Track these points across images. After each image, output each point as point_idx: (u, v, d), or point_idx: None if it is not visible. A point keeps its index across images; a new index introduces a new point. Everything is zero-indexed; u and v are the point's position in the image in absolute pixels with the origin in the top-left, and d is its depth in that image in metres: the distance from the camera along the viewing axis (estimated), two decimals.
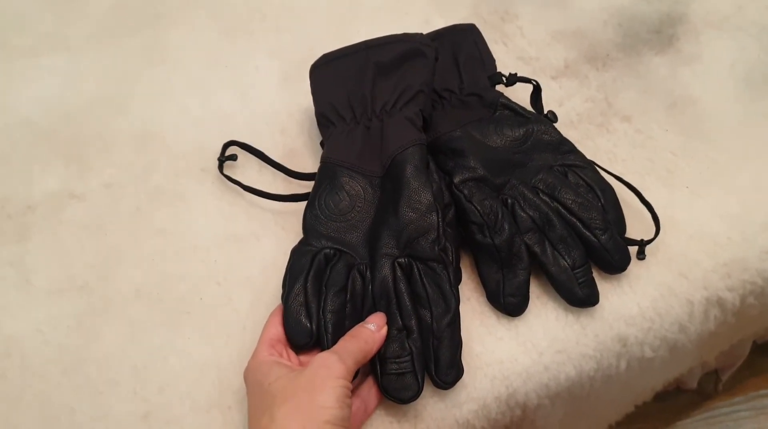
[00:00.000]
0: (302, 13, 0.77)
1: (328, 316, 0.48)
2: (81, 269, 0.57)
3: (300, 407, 0.40)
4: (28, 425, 0.49)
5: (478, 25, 0.66)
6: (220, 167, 0.61)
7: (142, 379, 0.51)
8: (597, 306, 0.52)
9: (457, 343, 0.47)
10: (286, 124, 0.66)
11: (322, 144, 0.60)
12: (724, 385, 0.90)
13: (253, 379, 0.44)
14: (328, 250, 0.51)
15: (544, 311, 0.53)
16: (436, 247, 0.49)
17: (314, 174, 0.57)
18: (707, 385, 0.90)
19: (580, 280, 0.51)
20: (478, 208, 0.52)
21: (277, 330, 0.47)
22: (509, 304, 0.52)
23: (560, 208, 0.54)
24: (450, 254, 0.50)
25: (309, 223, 0.53)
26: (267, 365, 0.44)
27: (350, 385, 0.42)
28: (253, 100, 0.69)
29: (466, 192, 0.53)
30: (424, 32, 0.62)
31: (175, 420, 0.49)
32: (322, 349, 0.47)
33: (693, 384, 0.83)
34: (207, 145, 0.64)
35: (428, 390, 0.48)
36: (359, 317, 0.48)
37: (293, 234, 0.57)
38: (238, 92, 0.70)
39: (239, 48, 0.74)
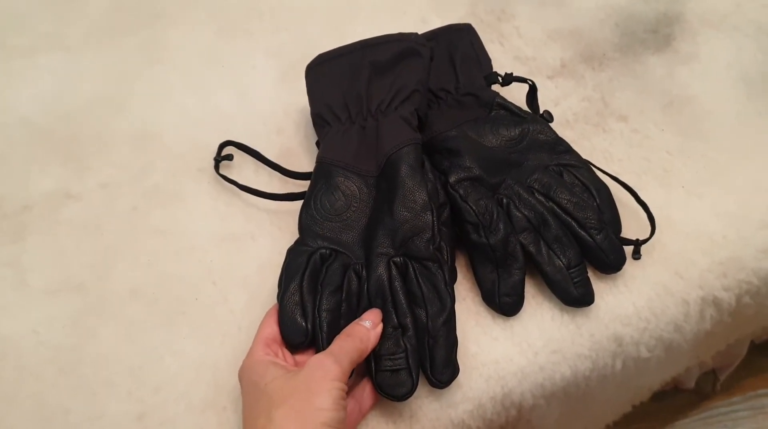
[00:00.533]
0: (300, 12, 0.77)
1: (324, 315, 0.48)
2: (77, 269, 0.57)
3: (297, 409, 0.40)
4: (24, 425, 0.49)
5: (474, 25, 0.66)
6: (216, 167, 0.61)
7: (137, 379, 0.51)
8: (592, 306, 0.52)
9: (452, 342, 0.47)
10: (283, 124, 0.66)
11: (317, 144, 0.60)
12: (722, 384, 0.90)
13: (248, 378, 0.44)
14: (323, 250, 0.51)
15: (539, 311, 0.53)
16: (431, 246, 0.49)
17: (310, 173, 0.57)
18: (705, 385, 0.90)
19: (576, 280, 0.51)
20: (474, 207, 0.52)
21: (273, 329, 0.48)
22: (504, 303, 0.52)
23: (555, 207, 0.54)
24: (445, 253, 0.50)
25: (305, 223, 0.53)
26: (262, 365, 0.44)
27: (346, 387, 0.42)
28: (251, 99, 0.69)
29: (461, 191, 0.53)
30: (421, 32, 0.62)
31: (170, 420, 0.49)
32: (318, 349, 0.47)
33: (691, 384, 0.83)
34: (204, 144, 0.64)
35: (424, 390, 0.48)
36: (354, 316, 0.48)
37: (289, 234, 0.57)
38: (235, 92, 0.70)
39: (237, 48, 0.74)
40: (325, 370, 0.42)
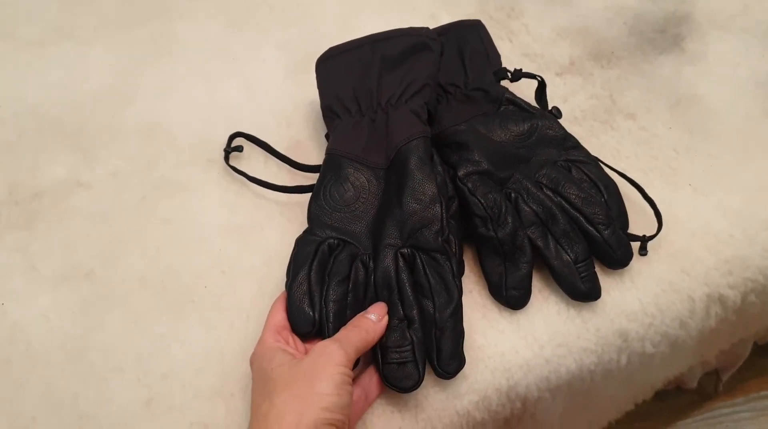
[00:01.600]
0: (308, 7, 0.78)
1: (330, 305, 0.48)
2: (86, 257, 0.57)
3: (298, 394, 0.41)
4: (32, 410, 0.49)
5: (484, 21, 0.67)
6: (226, 158, 0.61)
7: (145, 366, 0.51)
8: (598, 301, 0.52)
9: (459, 334, 0.48)
10: (292, 117, 0.67)
11: (327, 136, 0.60)
12: (724, 385, 0.90)
13: (258, 364, 0.45)
14: (332, 240, 0.51)
15: (545, 305, 0.53)
16: (439, 238, 0.50)
17: (319, 166, 0.57)
18: (708, 385, 0.90)
19: (583, 275, 0.52)
20: (482, 201, 0.53)
21: (282, 316, 0.48)
22: (511, 297, 0.52)
23: (563, 202, 0.54)
24: (453, 246, 0.51)
25: (314, 213, 0.53)
26: (271, 351, 0.44)
27: (351, 373, 0.43)
28: (260, 92, 0.69)
29: (470, 185, 0.54)
30: (430, 27, 0.63)
31: (178, 407, 0.49)
32: (324, 338, 0.47)
33: (693, 384, 0.83)
34: (213, 136, 0.64)
35: (429, 380, 0.49)
36: (361, 307, 0.49)
37: (297, 225, 0.57)
38: (244, 84, 0.70)
39: (246, 40, 0.75)
40: (329, 356, 0.42)
